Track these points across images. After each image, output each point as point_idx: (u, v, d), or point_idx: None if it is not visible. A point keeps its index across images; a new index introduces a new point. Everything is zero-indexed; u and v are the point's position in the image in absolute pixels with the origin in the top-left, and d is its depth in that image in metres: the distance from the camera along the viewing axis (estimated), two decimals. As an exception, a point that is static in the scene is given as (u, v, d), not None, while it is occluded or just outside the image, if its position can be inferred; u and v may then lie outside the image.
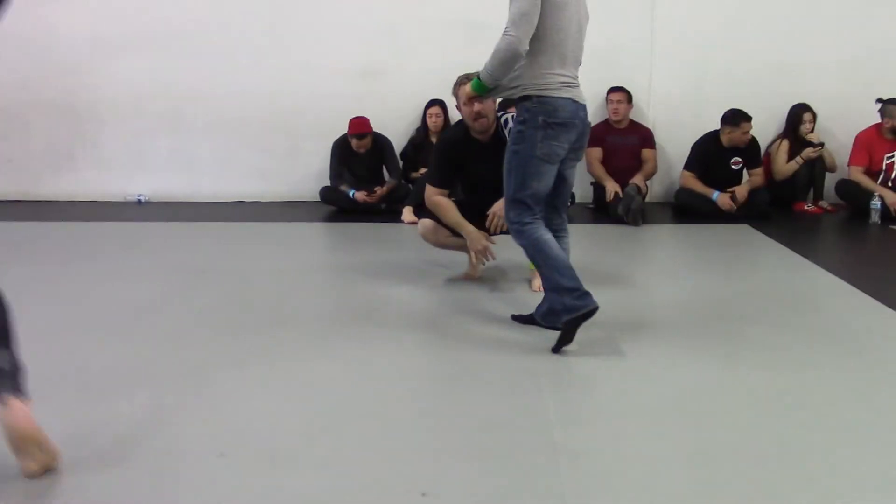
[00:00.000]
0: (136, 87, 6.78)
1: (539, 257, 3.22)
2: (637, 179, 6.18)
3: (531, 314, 3.49)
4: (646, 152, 6.49)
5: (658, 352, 3.20)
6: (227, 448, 2.36)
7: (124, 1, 6.70)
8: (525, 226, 3.21)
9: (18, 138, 6.97)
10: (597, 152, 6.40)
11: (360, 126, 6.31)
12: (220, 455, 2.32)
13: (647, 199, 6.27)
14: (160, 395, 2.77)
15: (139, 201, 6.81)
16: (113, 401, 2.70)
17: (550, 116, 3.13)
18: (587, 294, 3.11)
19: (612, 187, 6.11)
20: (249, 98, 6.84)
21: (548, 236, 3.22)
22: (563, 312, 3.14)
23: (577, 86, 3.23)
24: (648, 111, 6.77)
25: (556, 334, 3.19)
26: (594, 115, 6.59)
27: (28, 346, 2.29)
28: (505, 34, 3.06)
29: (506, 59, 3.08)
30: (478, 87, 3.29)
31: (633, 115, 6.64)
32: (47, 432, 2.17)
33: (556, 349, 3.16)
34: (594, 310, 3.11)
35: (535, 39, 3.09)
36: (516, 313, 3.58)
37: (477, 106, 3.84)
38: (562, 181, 3.37)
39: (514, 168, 3.20)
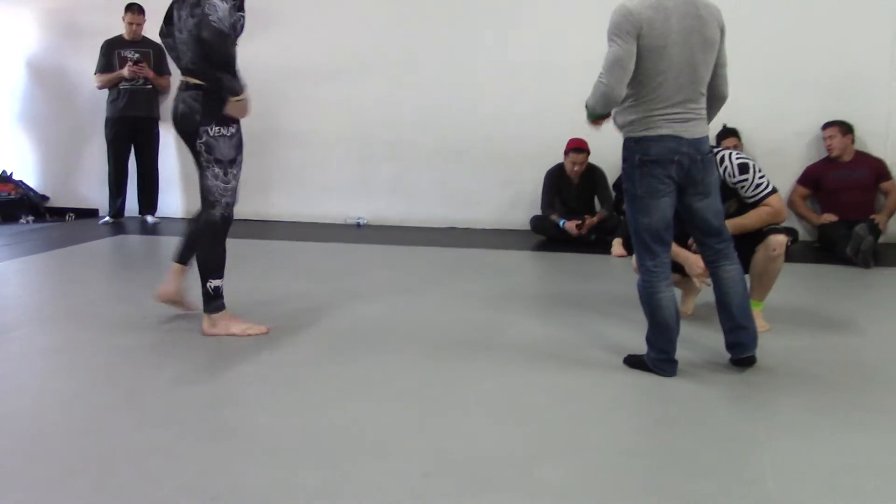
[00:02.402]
0: (364, 116, 7.15)
1: (648, 309, 3.25)
2: (880, 217, 5.77)
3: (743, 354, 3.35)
4: (885, 185, 6.05)
5: (889, 406, 2.95)
6: (432, 468, 2.40)
7: (356, 35, 7.08)
8: (645, 271, 3.23)
9: (253, 161, 7.50)
10: (801, 190, 6.17)
11: (578, 141, 6.35)
12: (424, 475, 2.36)
13: (881, 239, 5.82)
14: (374, 410, 2.86)
15: (358, 224, 7.14)
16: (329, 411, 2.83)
17: (644, 154, 3.13)
18: (672, 363, 3.23)
19: (816, 218, 5.80)
20: (468, 127, 7.02)
21: (662, 295, 3.19)
22: (646, 356, 3.28)
23: (684, 120, 3.12)
24: (886, 142, 6.29)
25: (793, 377, 3.09)
26: (819, 151, 6.26)
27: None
28: (599, 79, 3.12)
29: (599, 102, 3.16)
30: (590, 115, 3.36)
31: (869, 148, 6.20)
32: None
33: (627, 361, 3.36)
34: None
35: (633, 83, 3.10)
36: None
37: None
38: (693, 214, 3.25)
39: (627, 206, 3.29)
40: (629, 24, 3.05)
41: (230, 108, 3.64)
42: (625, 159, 3.21)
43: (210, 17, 3.42)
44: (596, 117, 3.36)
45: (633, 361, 3.35)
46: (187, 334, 3.85)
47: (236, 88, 3.61)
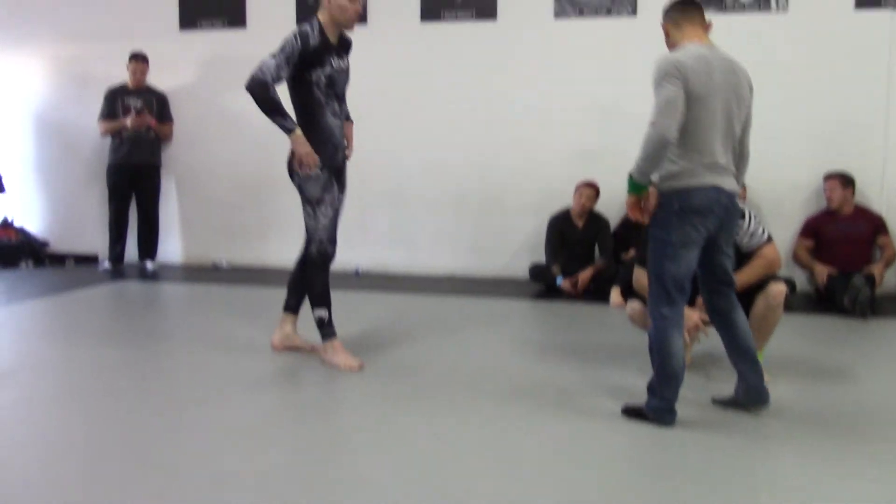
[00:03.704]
0: (363, 164, 7.18)
1: (658, 356, 3.22)
2: (875, 269, 5.78)
3: (732, 397, 3.45)
4: (882, 239, 6.07)
5: (889, 456, 2.93)
6: None
7: (354, 84, 7.12)
8: (661, 318, 3.20)
9: (253, 208, 7.58)
10: (805, 242, 6.15)
11: (590, 181, 6.46)
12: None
13: (878, 290, 5.83)
14: (394, 461, 2.85)
15: (357, 273, 7.15)
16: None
17: (685, 202, 3.12)
18: (672, 412, 3.23)
19: (821, 270, 5.78)
20: (467, 175, 7.08)
21: (674, 343, 3.18)
22: (648, 405, 3.27)
23: (723, 172, 3.17)
24: (882, 195, 6.33)
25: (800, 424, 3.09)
26: (818, 203, 6.29)
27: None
28: (652, 124, 3.07)
29: (656, 150, 3.06)
30: (633, 188, 3.17)
31: (864, 201, 6.24)
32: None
33: (625, 411, 3.35)
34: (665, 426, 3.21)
35: (678, 132, 3.09)
36: (717, 396, 3.55)
37: None
38: (715, 265, 3.32)
39: (653, 251, 3.23)
40: (677, 71, 3.11)
41: (293, 146, 3.94)
42: (661, 204, 3.17)
43: (254, 70, 3.79)
44: (641, 189, 3.16)
45: (631, 411, 3.34)
46: (189, 377, 3.85)
47: (286, 127, 3.88)
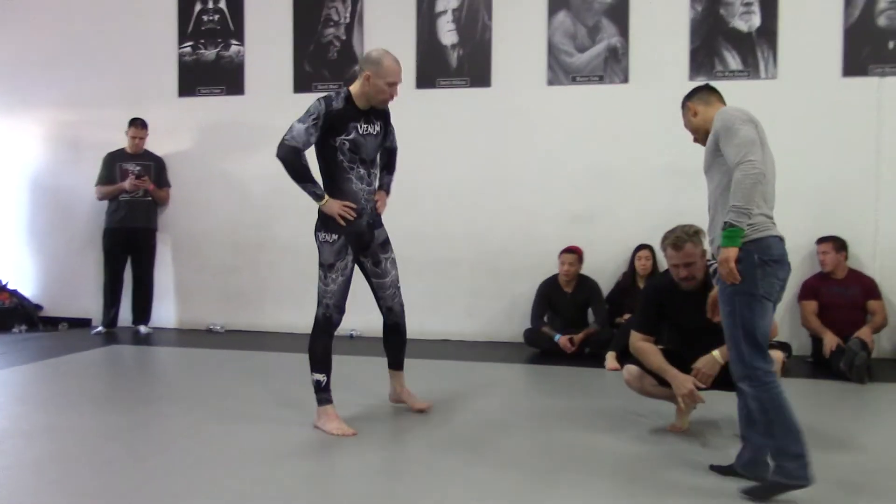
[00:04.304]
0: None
1: (775, 414, 3.06)
2: (863, 333, 5.76)
3: (731, 464, 3.38)
4: (872, 304, 6.07)
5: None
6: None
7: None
8: (768, 376, 3.09)
9: (248, 272, 7.59)
10: (812, 305, 6.10)
11: (571, 246, 6.49)
12: None
13: (873, 355, 5.82)
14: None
15: (351, 336, 7.12)
16: None
17: (765, 254, 3.09)
18: (809, 465, 3.03)
19: (830, 340, 5.72)
20: (461, 239, 7.11)
21: (785, 394, 3.08)
22: (779, 474, 3.03)
23: (775, 223, 3.23)
24: (875, 260, 6.37)
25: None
26: (811, 266, 6.32)
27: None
28: (740, 163, 3.03)
29: (755, 185, 3.02)
30: (731, 239, 3.03)
31: (856, 265, 6.28)
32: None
33: (750, 492, 3.12)
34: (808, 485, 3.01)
35: None
36: (715, 463, 3.49)
37: (684, 272, 3.85)
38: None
39: (740, 310, 3.11)
40: (748, 116, 3.17)
41: (325, 211, 4.07)
42: (738, 260, 3.06)
43: (284, 136, 3.96)
44: (740, 238, 3.03)
45: (761, 492, 3.11)
46: (181, 444, 3.80)
47: (315, 194, 4.03)
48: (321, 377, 4.14)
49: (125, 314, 7.51)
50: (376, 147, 4.18)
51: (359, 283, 4.61)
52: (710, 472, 3.45)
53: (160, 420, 4.33)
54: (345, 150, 4.02)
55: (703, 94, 3.50)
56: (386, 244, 4.34)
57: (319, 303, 4.13)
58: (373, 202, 4.19)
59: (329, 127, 3.97)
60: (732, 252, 3.04)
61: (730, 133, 3.12)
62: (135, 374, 5.82)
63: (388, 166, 4.45)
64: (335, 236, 4.08)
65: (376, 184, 4.25)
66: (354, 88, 4.06)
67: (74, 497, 3.17)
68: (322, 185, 4.09)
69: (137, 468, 3.51)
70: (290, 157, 3.94)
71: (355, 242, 4.16)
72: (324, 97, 4.00)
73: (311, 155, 4.04)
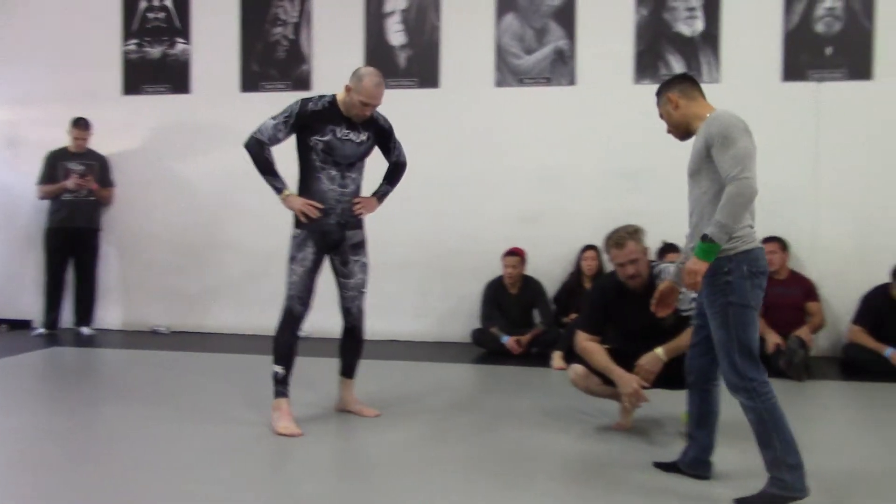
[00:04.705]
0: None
1: (773, 424, 3.02)
2: (802, 332, 5.90)
3: (675, 462, 3.44)
4: (811, 305, 6.22)
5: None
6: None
7: (293, 151, 7.19)
8: (765, 386, 3.03)
9: (196, 273, 7.51)
10: (755, 307, 6.21)
11: (513, 248, 6.53)
12: None
13: (811, 354, 5.97)
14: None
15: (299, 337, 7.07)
16: None
17: (753, 265, 3.05)
18: (805, 475, 3.02)
19: (773, 339, 5.85)
20: (409, 240, 7.11)
21: (780, 405, 3.04)
22: (776, 486, 3.02)
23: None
24: (813, 262, 6.53)
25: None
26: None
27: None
28: (736, 178, 2.95)
29: (746, 204, 2.98)
30: (707, 254, 2.97)
31: (796, 267, 6.43)
32: None
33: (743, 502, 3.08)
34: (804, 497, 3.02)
35: None
36: (658, 460, 3.53)
37: (631, 269, 3.89)
38: None
39: (733, 321, 3.04)
40: (746, 126, 3.09)
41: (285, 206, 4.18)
42: (728, 271, 3.03)
43: (254, 129, 4.12)
44: (715, 254, 2.99)
45: (756, 500, 3.06)
46: (121, 446, 3.75)
47: (276, 187, 4.15)
48: (279, 369, 4.20)
49: (67, 315, 7.37)
50: (357, 153, 4.24)
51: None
52: (655, 470, 3.51)
53: (103, 422, 4.27)
54: (318, 151, 4.12)
55: (685, 86, 3.32)
56: (359, 247, 4.40)
57: (285, 296, 4.23)
58: (346, 204, 4.24)
59: (304, 126, 4.10)
60: (702, 267, 2.99)
61: (727, 143, 3.01)
62: (77, 376, 5.72)
63: (390, 178, 4.55)
64: (298, 231, 4.19)
65: (353, 187, 4.29)
66: (340, 94, 4.16)
67: (13, 500, 3.11)
68: (299, 183, 4.20)
69: (78, 471, 3.46)
70: (254, 150, 4.11)
71: (320, 240, 4.22)
72: (302, 98, 4.16)
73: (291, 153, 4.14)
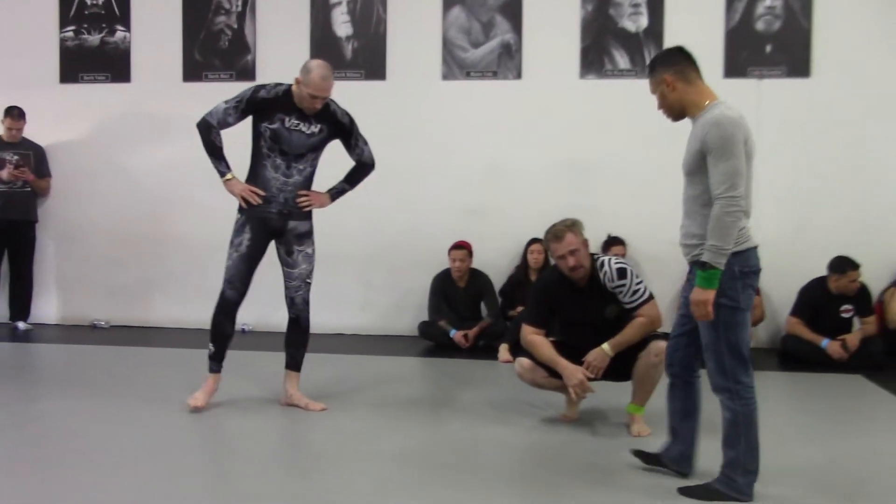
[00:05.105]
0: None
1: (745, 429, 3.03)
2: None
3: (658, 454, 3.41)
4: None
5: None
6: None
7: (238, 140, 7.10)
8: (749, 391, 3.04)
9: (136, 265, 7.36)
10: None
11: (459, 242, 6.54)
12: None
13: (751, 345, 6.07)
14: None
15: (243, 330, 7.00)
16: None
17: (744, 266, 3.02)
18: (754, 483, 3.07)
19: None
20: (354, 233, 7.07)
21: (757, 412, 3.06)
22: (724, 483, 3.07)
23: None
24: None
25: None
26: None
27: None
28: (723, 197, 2.91)
29: (733, 223, 2.92)
30: (710, 281, 2.93)
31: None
32: None
33: (686, 491, 3.13)
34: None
35: None
36: (637, 449, 3.50)
37: (571, 261, 3.91)
38: None
39: (723, 322, 3.01)
40: (741, 134, 2.96)
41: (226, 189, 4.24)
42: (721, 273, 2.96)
43: (206, 112, 4.17)
44: (717, 278, 2.94)
45: (698, 493, 3.11)
46: (51, 444, 3.67)
47: (219, 171, 4.21)
48: (210, 347, 4.35)
49: (2, 310, 7.17)
50: (307, 145, 4.25)
51: (257, 279, 4.55)
52: (601, 460, 3.54)
53: (38, 419, 4.16)
54: (266, 138, 4.17)
55: (683, 66, 3.13)
56: (304, 238, 4.42)
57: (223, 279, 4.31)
58: (290, 194, 4.27)
59: (255, 111, 4.17)
60: (708, 296, 2.96)
61: (722, 155, 2.92)
62: (12, 373, 5.56)
63: (350, 177, 4.60)
64: (239, 215, 4.26)
65: (300, 178, 4.31)
66: (295, 87, 4.16)
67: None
68: (249, 169, 4.28)
69: (11, 468, 3.36)
70: (202, 130, 4.18)
71: (258, 226, 4.24)
72: (255, 84, 4.23)
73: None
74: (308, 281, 4.46)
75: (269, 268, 7.28)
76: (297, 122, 4.17)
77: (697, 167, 3.04)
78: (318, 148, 4.32)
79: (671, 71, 3.12)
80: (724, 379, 3.04)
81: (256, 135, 4.21)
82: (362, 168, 4.57)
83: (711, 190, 2.96)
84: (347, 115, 4.37)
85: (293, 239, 4.36)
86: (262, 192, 4.18)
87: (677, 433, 3.35)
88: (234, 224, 4.27)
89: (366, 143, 4.51)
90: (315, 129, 4.23)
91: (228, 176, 4.20)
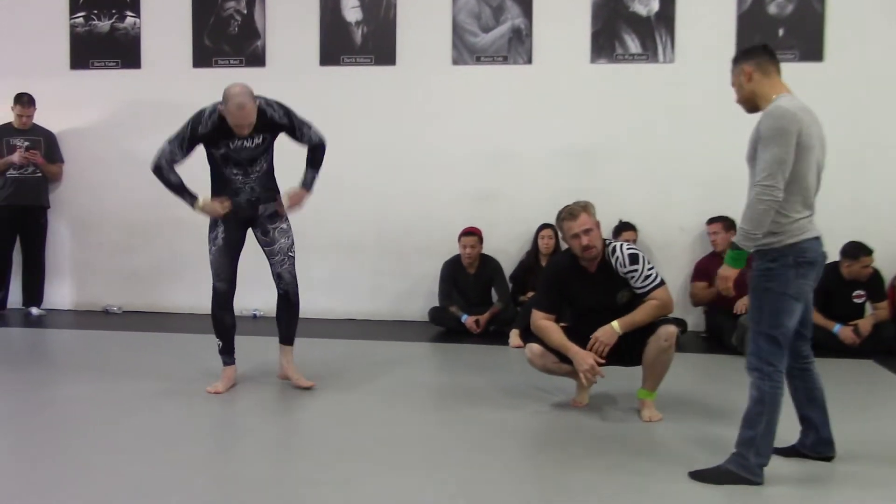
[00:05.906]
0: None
1: (768, 410, 3.08)
2: (739, 306, 6.01)
3: (794, 446, 3.43)
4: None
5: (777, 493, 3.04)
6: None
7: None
8: (778, 375, 3.09)
9: (147, 252, 7.39)
10: (701, 284, 6.28)
11: (469, 227, 6.53)
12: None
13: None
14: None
15: (254, 316, 7.03)
16: None
17: (800, 256, 3.06)
18: (764, 469, 3.10)
19: (741, 303, 5.82)
20: (365, 219, 7.08)
21: (782, 398, 3.11)
22: (737, 464, 3.11)
23: (813, 221, 3.16)
24: (764, 240, 6.63)
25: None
26: (703, 246, 6.55)
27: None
28: (760, 185, 3.00)
29: (767, 213, 3.00)
30: (736, 261, 3.11)
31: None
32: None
33: (698, 475, 3.15)
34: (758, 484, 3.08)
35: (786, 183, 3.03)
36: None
37: (585, 239, 3.90)
38: (808, 312, 3.29)
39: (767, 305, 3.09)
40: (794, 126, 3.02)
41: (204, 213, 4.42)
42: (773, 259, 3.07)
43: (155, 156, 4.32)
44: (744, 260, 3.10)
45: (711, 476, 3.15)
46: (66, 430, 3.69)
47: (188, 202, 4.35)
48: (218, 342, 4.51)
49: (15, 296, 7.21)
50: (256, 154, 4.35)
51: (263, 264, 4.58)
52: (611, 445, 3.54)
53: (52, 404, 4.19)
54: (217, 158, 4.34)
55: (763, 60, 3.24)
56: (275, 216, 4.50)
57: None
58: (254, 182, 4.38)
59: (202, 142, 4.27)
60: (733, 273, 3.13)
61: (769, 144, 3.02)
62: (26, 358, 5.60)
63: (311, 161, 4.57)
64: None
65: (260, 170, 4.40)
66: (222, 108, 4.17)
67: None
68: (210, 171, 4.43)
69: (27, 453, 3.39)
70: (159, 175, 4.32)
71: (230, 218, 4.38)
72: (192, 120, 4.23)
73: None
74: (290, 254, 4.57)
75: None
76: (239, 141, 4.25)
77: (755, 154, 3.13)
78: (268, 150, 4.41)
79: (752, 63, 3.24)
80: (758, 360, 3.11)
81: (209, 154, 4.35)
82: (319, 149, 4.57)
83: (755, 176, 3.06)
84: (284, 111, 4.34)
85: (266, 220, 4.48)
86: (227, 200, 4.34)
87: (807, 421, 3.37)
88: (209, 220, 4.42)
89: (309, 126, 4.48)
90: (259, 140, 4.29)
91: (200, 203, 4.32)
